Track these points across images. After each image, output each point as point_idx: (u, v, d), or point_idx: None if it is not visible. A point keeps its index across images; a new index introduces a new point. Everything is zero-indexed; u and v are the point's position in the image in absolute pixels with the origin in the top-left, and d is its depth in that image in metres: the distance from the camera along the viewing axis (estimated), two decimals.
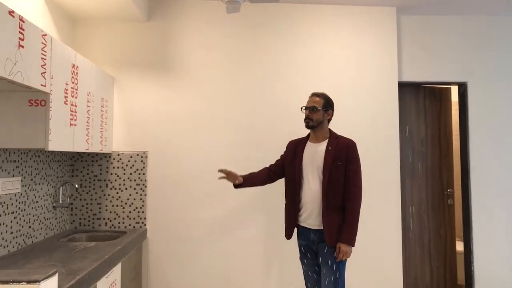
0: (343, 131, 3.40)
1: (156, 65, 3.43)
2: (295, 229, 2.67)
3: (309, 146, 2.64)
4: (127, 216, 3.34)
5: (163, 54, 3.44)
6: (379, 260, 3.43)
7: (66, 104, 2.45)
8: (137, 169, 3.37)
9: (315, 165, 2.55)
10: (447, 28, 3.71)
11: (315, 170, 2.54)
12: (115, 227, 3.33)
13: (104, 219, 3.33)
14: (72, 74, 2.53)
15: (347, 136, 2.65)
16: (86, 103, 2.79)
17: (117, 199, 3.35)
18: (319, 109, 2.59)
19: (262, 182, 2.76)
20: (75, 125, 2.59)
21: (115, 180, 3.35)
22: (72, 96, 2.54)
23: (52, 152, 2.98)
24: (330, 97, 2.68)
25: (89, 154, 3.35)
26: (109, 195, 3.35)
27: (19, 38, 1.90)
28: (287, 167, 2.68)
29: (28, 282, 1.43)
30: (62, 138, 2.38)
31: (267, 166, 2.80)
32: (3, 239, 2.37)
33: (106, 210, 3.34)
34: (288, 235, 2.63)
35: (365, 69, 3.52)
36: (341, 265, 2.47)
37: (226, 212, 3.38)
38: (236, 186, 2.67)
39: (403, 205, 3.71)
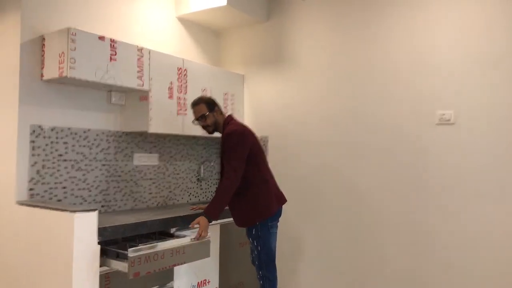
0: (466, 107, 2.87)
1: (275, 59, 3.82)
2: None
3: None
4: None
5: (280, 48, 3.80)
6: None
7: (171, 98, 3.23)
8: None
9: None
10: None
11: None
12: None
13: None
14: (179, 75, 3.30)
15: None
16: None
17: None
18: (207, 114, 2.78)
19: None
20: (185, 114, 3.35)
21: None
22: (180, 92, 3.30)
23: (194, 137, 3.84)
24: (212, 99, 2.87)
25: None
26: None
27: (111, 54, 2.78)
28: None
29: (70, 211, 2.22)
30: (165, 124, 3.17)
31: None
32: (141, 196, 3.38)
33: None
34: None
35: (492, 26, 2.80)
36: (261, 240, 2.71)
37: (340, 192, 3.43)
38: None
39: None
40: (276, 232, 2.82)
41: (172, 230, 2.86)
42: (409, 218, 3.07)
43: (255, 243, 2.77)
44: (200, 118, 2.82)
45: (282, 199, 2.88)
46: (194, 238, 2.63)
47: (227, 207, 2.90)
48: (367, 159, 3.28)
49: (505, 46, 2.75)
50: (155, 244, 2.43)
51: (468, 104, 2.87)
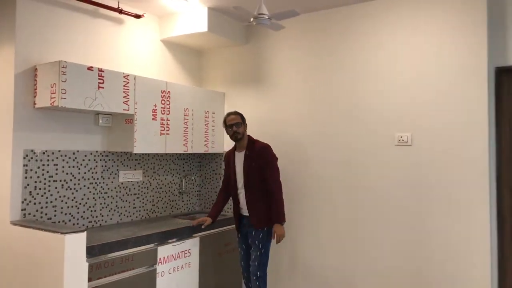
0: (421, 130, 3.18)
1: (254, 78, 4.08)
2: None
3: (237, 155, 3.40)
4: (231, 204, 4.12)
5: (258, 69, 4.06)
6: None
7: (155, 120, 3.46)
8: None
9: (241, 170, 3.31)
10: None
11: (241, 174, 3.31)
12: (225, 212, 4.17)
13: None
14: (162, 98, 3.53)
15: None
16: (183, 117, 3.75)
17: None
18: (241, 123, 3.32)
19: (225, 204, 3.61)
20: (168, 134, 3.58)
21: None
22: (163, 113, 3.54)
23: (176, 153, 4.08)
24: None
25: (210, 154, 4.33)
26: (221, 185, 4.23)
27: (99, 83, 3.00)
28: (228, 176, 3.49)
29: (61, 233, 2.45)
30: (149, 144, 3.40)
31: (221, 188, 3.63)
32: (126, 211, 3.61)
33: None
34: (236, 226, 3.45)
35: (444, 57, 3.12)
36: (266, 245, 3.23)
37: (318, 204, 3.72)
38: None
39: None
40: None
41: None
42: (370, 222, 3.39)
43: (260, 246, 3.22)
44: (236, 125, 3.30)
45: None
46: (276, 243, 3.23)
47: (242, 215, 3.37)
48: (334, 173, 3.58)
49: (454, 79, 3.08)
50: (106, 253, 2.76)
51: (422, 128, 3.19)
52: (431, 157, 3.15)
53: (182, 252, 3.35)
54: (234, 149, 3.46)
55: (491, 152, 3.03)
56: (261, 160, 3.25)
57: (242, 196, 3.34)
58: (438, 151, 3.12)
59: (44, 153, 2.98)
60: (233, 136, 3.34)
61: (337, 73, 3.60)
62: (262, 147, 3.31)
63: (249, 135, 3.40)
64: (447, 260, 3.06)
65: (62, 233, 2.43)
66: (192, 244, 3.45)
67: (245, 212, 3.34)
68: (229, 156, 3.47)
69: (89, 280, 2.58)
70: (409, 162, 3.23)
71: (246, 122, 3.40)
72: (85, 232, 2.53)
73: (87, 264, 2.53)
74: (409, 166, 3.23)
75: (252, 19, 3.00)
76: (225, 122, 3.37)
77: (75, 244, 2.47)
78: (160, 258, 3.15)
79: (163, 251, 3.18)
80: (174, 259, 3.28)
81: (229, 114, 3.38)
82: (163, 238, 3.18)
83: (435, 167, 3.13)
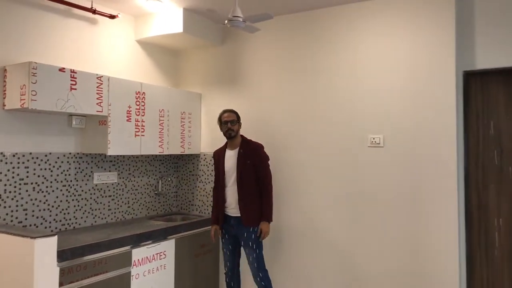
0: (392, 132, 3.25)
1: (230, 79, 4.08)
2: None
3: (228, 153, 3.39)
4: (210, 205, 4.12)
5: (234, 69, 4.06)
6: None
7: (130, 121, 3.43)
8: None
9: (232, 167, 3.30)
10: None
11: (232, 171, 3.29)
12: (202, 213, 4.19)
13: (195, 205, 4.25)
14: (137, 99, 3.50)
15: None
16: (159, 118, 3.73)
17: (203, 190, 4.19)
18: (236, 121, 3.35)
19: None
20: (143, 135, 3.56)
21: (202, 175, 4.21)
22: (137, 115, 3.51)
23: (152, 155, 4.05)
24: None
25: (186, 155, 4.31)
26: (198, 186, 4.24)
27: (71, 84, 2.96)
28: (217, 173, 3.45)
29: (31, 237, 2.41)
30: (124, 146, 3.37)
31: (214, 186, 3.52)
32: (101, 213, 3.57)
33: (197, 198, 4.24)
34: (220, 226, 3.39)
35: (414, 61, 3.19)
36: (259, 244, 3.25)
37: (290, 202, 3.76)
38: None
39: (485, 217, 3.15)
40: None
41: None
42: (345, 221, 3.46)
43: (254, 247, 3.22)
44: (231, 122, 3.32)
45: None
46: (260, 239, 3.25)
47: (228, 215, 3.36)
48: (308, 173, 3.63)
49: (423, 82, 3.16)
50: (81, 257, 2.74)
51: (394, 130, 3.27)
52: (401, 158, 3.22)
53: (157, 254, 3.34)
54: (224, 147, 3.45)
55: (459, 154, 3.12)
56: (256, 158, 3.30)
57: (230, 194, 3.31)
58: (409, 152, 3.20)
59: (14, 155, 2.92)
60: (227, 133, 3.34)
61: (312, 74, 3.64)
62: (257, 146, 3.37)
63: (241, 135, 3.42)
64: (417, 259, 3.14)
65: (32, 237, 2.39)
66: (167, 246, 3.44)
67: (232, 212, 3.31)
68: (219, 154, 3.45)
69: (61, 284, 2.55)
70: (381, 163, 3.30)
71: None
72: (56, 236, 2.50)
73: (58, 268, 2.50)
74: (381, 167, 3.30)
75: (226, 22, 3.00)
76: (220, 118, 3.37)
77: (46, 249, 2.44)
78: (134, 261, 3.13)
79: (138, 253, 3.16)
80: (149, 261, 3.27)
81: (225, 111, 3.39)
82: (138, 240, 3.17)
83: (406, 168, 3.20)
